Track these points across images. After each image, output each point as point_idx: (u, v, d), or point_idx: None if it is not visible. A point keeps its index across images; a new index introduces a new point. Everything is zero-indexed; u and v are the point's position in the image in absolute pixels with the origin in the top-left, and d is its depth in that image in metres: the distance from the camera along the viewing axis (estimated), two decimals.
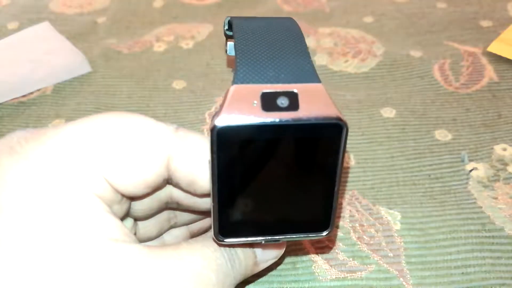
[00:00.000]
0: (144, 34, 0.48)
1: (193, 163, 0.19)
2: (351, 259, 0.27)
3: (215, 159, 0.17)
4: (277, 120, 0.17)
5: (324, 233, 0.20)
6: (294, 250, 0.28)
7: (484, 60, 0.42)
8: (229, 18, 0.23)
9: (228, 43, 0.23)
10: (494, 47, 0.42)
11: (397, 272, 0.26)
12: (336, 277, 0.26)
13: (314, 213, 0.20)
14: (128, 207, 0.21)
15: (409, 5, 0.51)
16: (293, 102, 0.17)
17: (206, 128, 0.37)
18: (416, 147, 0.34)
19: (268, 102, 0.17)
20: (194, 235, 0.27)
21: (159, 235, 0.25)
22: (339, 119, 0.17)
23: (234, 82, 0.18)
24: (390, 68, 0.42)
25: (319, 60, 0.43)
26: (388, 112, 0.37)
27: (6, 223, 0.16)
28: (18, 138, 0.20)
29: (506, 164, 0.32)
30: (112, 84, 0.42)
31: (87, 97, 0.41)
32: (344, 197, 0.31)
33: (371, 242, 0.28)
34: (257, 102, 0.17)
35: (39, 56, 0.43)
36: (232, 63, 0.23)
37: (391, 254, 0.27)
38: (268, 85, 0.18)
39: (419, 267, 0.27)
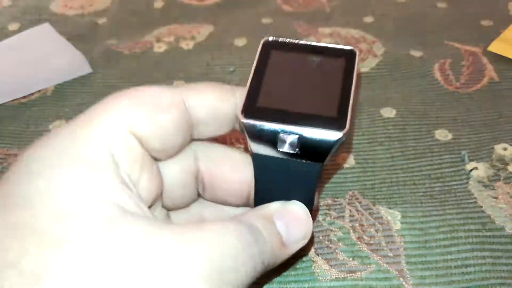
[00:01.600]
0: (145, 35, 0.48)
1: (210, 95, 0.22)
2: (351, 259, 0.27)
3: (257, 60, 0.23)
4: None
5: (341, 133, 0.20)
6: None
7: (484, 60, 0.42)
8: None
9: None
10: (495, 47, 0.42)
11: (397, 272, 0.26)
12: (336, 277, 0.26)
13: (332, 110, 0.21)
14: (156, 173, 0.21)
15: (409, 5, 0.50)
16: None
17: None
18: (416, 147, 0.34)
19: None
20: None
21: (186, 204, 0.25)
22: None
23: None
24: (391, 68, 0.42)
25: None
26: (388, 112, 0.37)
27: None
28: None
29: (506, 164, 0.32)
30: (112, 85, 0.42)
31: (87, 98, 0.41)
32: (344, 197, 0.31)
33: (371, 242, 0.28)
34: None
35: (40, 57, 0.43)
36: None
37: (391, 254, 0.27)
38: None
39: (419, 267, 0.26)
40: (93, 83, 0.42)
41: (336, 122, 0.20)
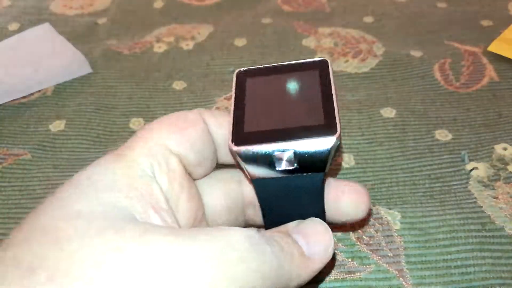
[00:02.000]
0: (145, 35, 0.48)
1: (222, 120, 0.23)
2: (350, 259, 0.27)
3: (234, 86, 0.23)
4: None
5: (334, 137, 0.20)
6: None
7: (484, 60, 0.42)
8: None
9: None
10: (495, 47, 0.42)
11: (396, 272, 0.26)
12: (335, 278, 0.26)
13: (319, 118, 0.21)
14: (195, 195, 0.22)
15: (409, 4, 0.50)
16: None
17: None
18: (416, 147, 0.34)
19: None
20: None
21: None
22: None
23: None
24: (390, 68, 0.42)
25: None
26: (388, 112, 0.37)
27: None
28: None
29: (506, 164, 0.32)
30: (112, 85, 0.42)
31: (87, 98, 0.41)
32: None
33: (371, 242, 0.28)
34: None
35: (40, 57, 0.43)
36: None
37: (390, 254, 0.27)
38: None
39: (419, 267, 0.26)
40: (93, 83, 0.42)
41: (326, 128, 0.20)
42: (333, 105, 0.21)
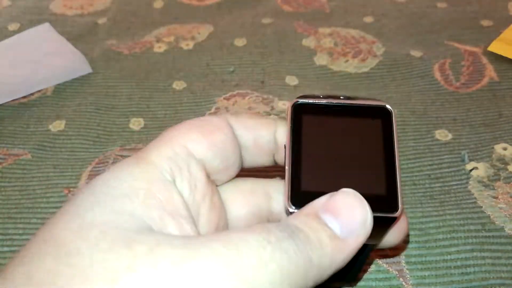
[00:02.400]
0: (144, 35, 0.48)
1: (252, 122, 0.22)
2: None
3: (291, 127, 0.21)
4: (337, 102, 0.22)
5: (395, 214, 0.19)
6: None
7: (484, 60, 0.42)
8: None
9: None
10: (495, 47, 0.42)
11: (396, 272, 0.26)
12: None
13: (381, 191, 0.20)
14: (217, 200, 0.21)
15: (409, 4, 0.50)
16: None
17: None
18: (416, 147, 0.34)
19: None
20: None
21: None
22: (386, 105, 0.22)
23: None
24: (390, 68, 0.42)
25: (319, 60, 0.43)
26: None
27: None
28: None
29: (506, 164, 0.32)
30: (112, 85, 0.42)
31: (87, 98, 0.41)
32: None
33: None
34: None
35: (40, 57, 0.43)
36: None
37: (390, 254, 0.27)
38: None
39: (419, 267, 0.26)
40: (93, 83, 0.42)
41: (388, 203, 0.19)
42: (395, 171, 0.20)
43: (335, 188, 0.19)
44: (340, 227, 0.17)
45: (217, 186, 0.22)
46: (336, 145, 0.21)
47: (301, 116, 0.21)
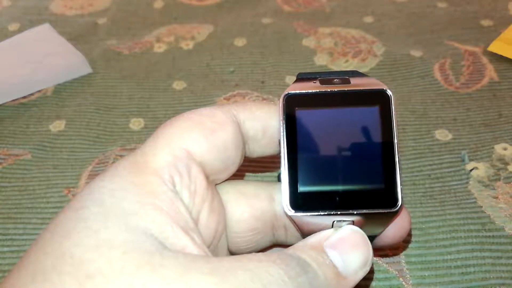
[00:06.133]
0: (144, 35, 0.48)
1: (261, 114, 0.21)
2: None
3: (283, 125, 0.20)
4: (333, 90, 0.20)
5: (394, 209, 0.19)
6: None
7: (484, 60, 0.42)
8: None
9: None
10: (495, 47, 0.42)
11: (396, 272, 0.26)
12: None
13: (380, 186, 0.19)
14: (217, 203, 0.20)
15: (409, 4, 0.50)
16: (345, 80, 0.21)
17: None
18: (416, 147, 0.34)
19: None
20: None
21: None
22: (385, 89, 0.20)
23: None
24: (390, 68, 0.42)
25: (319, 60, 0.43)
26: None
27: None
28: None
29: (506, 164, 0.32)
30: (112, 85, 0.42)
31: (87, 98, 0.41)
32: None
33: None
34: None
35: (40, 57, 0.43)
36: None
37: (390, 254, 0.27)
38: None
39: (419, 267, 0.26)
40: (93, 83, 0.42)
41: (387, 197, 0.19)
42: (395, 164, 0.19)
43: (333, 186, 0.19)
44: (343, 265, 0.18)
45: (216, 185, 0.21)
46: (332, 138, 0.20)
47: (294, 108, 0.20)
